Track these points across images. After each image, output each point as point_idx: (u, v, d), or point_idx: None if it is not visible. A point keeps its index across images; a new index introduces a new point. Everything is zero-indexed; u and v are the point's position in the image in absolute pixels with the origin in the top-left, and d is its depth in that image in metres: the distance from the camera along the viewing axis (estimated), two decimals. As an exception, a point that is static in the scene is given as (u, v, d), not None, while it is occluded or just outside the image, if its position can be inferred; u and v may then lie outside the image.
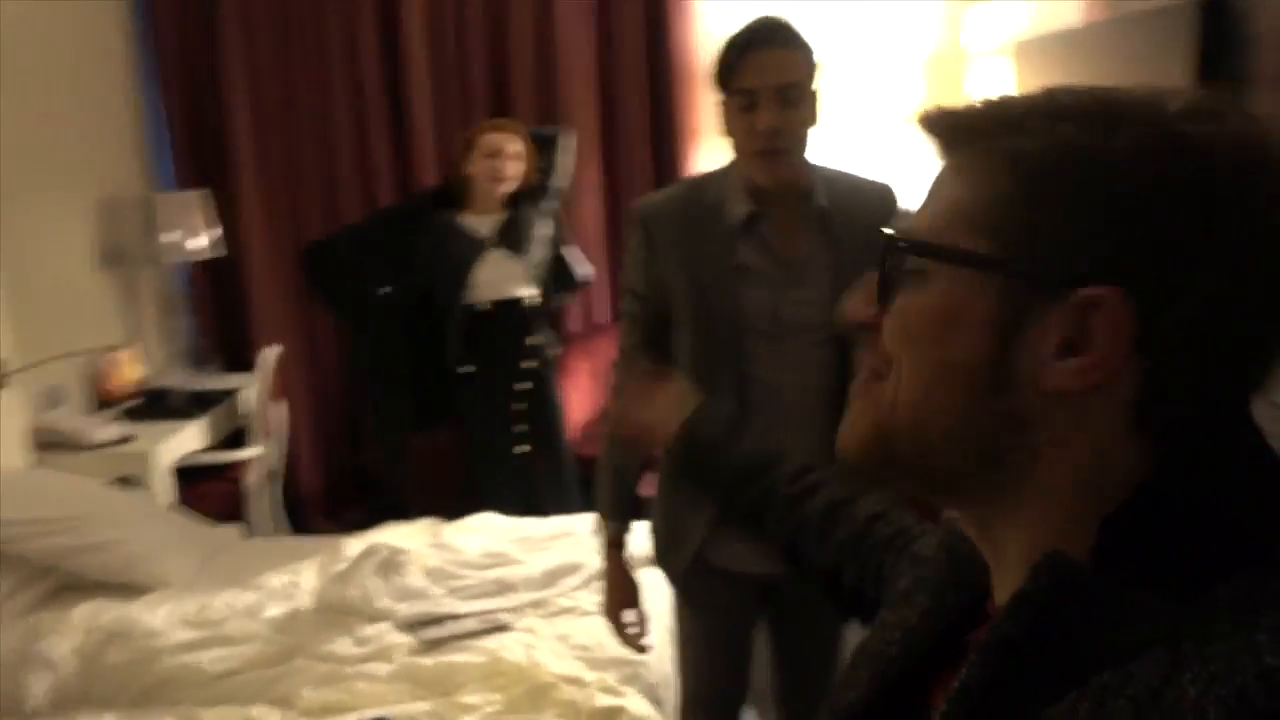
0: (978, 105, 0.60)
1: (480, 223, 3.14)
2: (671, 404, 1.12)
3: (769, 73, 1.57)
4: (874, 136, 3.53)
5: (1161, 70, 1.69)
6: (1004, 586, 0.60)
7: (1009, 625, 0.53)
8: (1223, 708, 0.43)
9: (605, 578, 1.83)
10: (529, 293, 3.17)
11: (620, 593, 1.82)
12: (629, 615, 1.83)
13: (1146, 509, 0.53)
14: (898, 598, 0.74)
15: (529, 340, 3.17)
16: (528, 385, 3.17)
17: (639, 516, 1.84)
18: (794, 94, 1.58)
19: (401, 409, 3.26)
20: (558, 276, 3.32)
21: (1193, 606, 0.49)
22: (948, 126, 0.61)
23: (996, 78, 2.89)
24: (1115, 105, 0.54)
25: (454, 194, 3.20)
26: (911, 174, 3.47)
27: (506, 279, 3.13)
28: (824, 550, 0.96)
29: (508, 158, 3.06)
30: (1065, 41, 2.22)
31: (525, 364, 3.17)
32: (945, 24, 3.56)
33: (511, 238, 3.13)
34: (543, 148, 3.27)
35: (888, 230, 0.62)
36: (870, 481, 0.69)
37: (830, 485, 1.01)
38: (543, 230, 3.22)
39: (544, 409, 3.23)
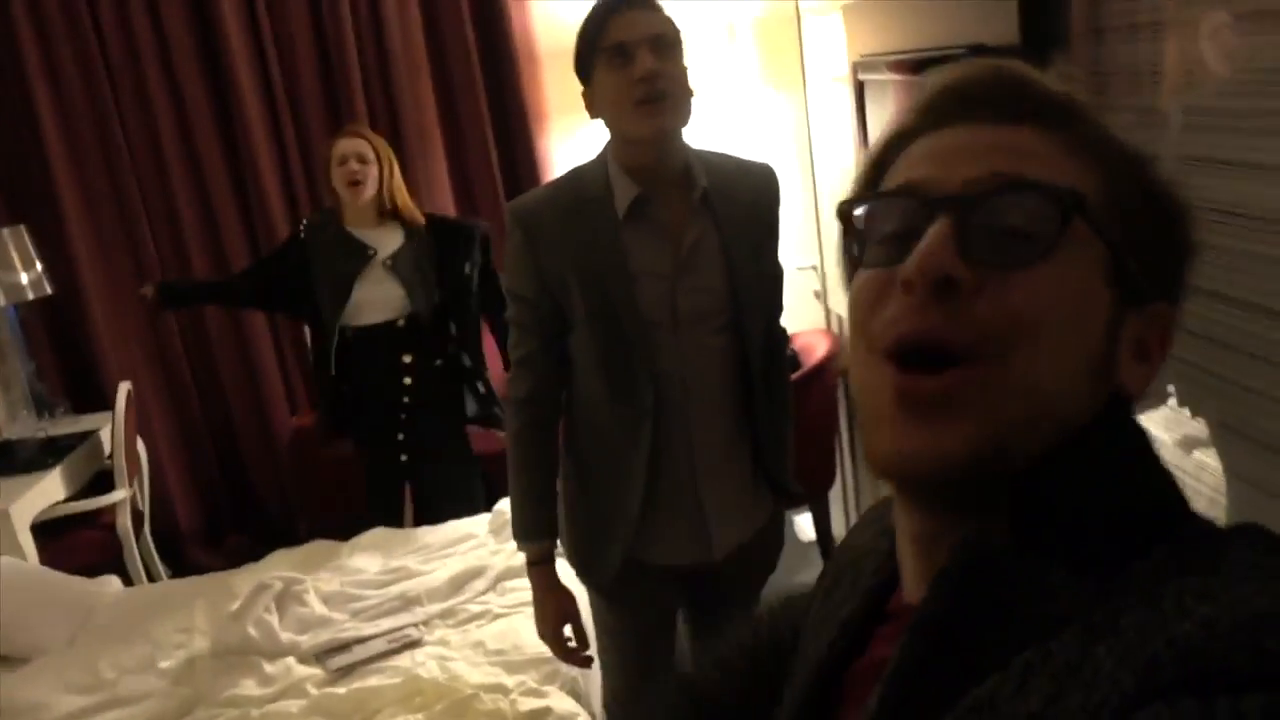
0: (1047, 84, 0.61)
1: (371, 236, 3.04)
2: None
3: (638, 26, 1.55)
4: (715, 102, 3.56)
5: (985, 29, 1.75)
6: (925, 575, 0.59)
7: (932, 604, 0.55)
8: (1136, 677, 0.44)
9: (536, 598, 1.76)
10: (403, 314, 3.07)
11: (557, 610, 1.76)
12: (567, 631, 1.78)
13: (1054, 482, 0.55)
14: (809, 631, 0.74)
15: (405, 358, 3.09)
16: (406, 401, 3.10)
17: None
18: (665, 45, 1.56)
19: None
20: (495, 300, 3.15)
21: (1107, 582, 0.51)
22: (1039, 97, 0.59)
23: (828, 36, 2.96)
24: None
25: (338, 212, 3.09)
26: (752, 137, 3.55)
27: (382, 301, 3.04)
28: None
29: (352, 159, 2.97)
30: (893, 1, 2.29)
31: (404, 381, 3.09)
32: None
33: (403, 261, 3.03)
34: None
35: (1034, 180, 0.55)
36: (932, 496, 0.58)
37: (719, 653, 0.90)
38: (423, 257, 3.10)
39: (434, 418, 3.17)
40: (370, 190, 2.98)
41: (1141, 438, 0.58)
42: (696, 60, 3.49)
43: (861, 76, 2.43)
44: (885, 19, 2.31)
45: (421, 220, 3.09)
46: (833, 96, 2.96)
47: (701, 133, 3.47)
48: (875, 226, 0.61)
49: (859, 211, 0.62)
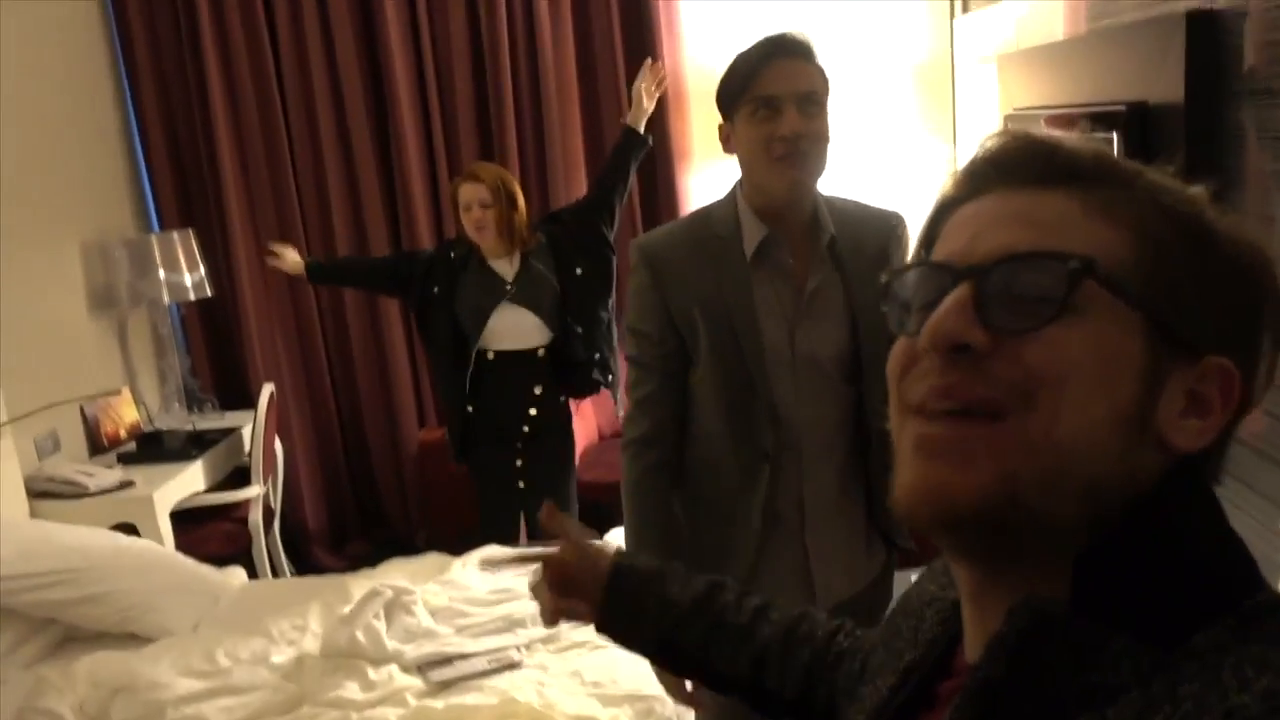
0: (1081, 146, 0.61)
1: (502, 265, 3.13)
2: (585, 560, 0.99)
3: (790, 81, 1.55)
4: (867, 144, 3.52)
5: (1147, 85, 1.67)
6: (981, 634, 0.59)
7: (988, 667, 0.54)
8: None
9: None
10: (540, 343, 3.14)
11: None
12: None
13: (1119, 549, 0.54)
14: (870, 672, 0.74)
15: (536, 389, 3.15)
16: (525, 430, 3.16)
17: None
18: (813, 105, 1.56)
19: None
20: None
21: (1169, 652, 0.50)
22: (1068, 160, 0.59)
23: (982, 86, 2.89)
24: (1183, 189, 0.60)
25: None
26: (901, 181, 3.49)
27: (515, 329, 3.12)
28: (789, 678, 0.93)
29: (475, 206, 3.05)
30: (1050, 54, 2.21)
31: (529, 411, 3.15)
32: (933, 33, 3.56)
33: (526, 289, 3.11)
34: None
35: (1043, 249, 0.56)
36: (956, 543, 0.58)
37: (777, 606, 0.98)
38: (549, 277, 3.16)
39: (547, 451, 3.22)
40: (494, 230, 3.06)
41: (1212, 504, 0.57)
42: (852, 103, 3.49)
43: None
44: (1040, 71, 2.24)
45: (536, 239, 3.14)
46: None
47: (848, 172, 3.45)
48: (913, 296, 0.62)
49: (899, 283, 0.63)
